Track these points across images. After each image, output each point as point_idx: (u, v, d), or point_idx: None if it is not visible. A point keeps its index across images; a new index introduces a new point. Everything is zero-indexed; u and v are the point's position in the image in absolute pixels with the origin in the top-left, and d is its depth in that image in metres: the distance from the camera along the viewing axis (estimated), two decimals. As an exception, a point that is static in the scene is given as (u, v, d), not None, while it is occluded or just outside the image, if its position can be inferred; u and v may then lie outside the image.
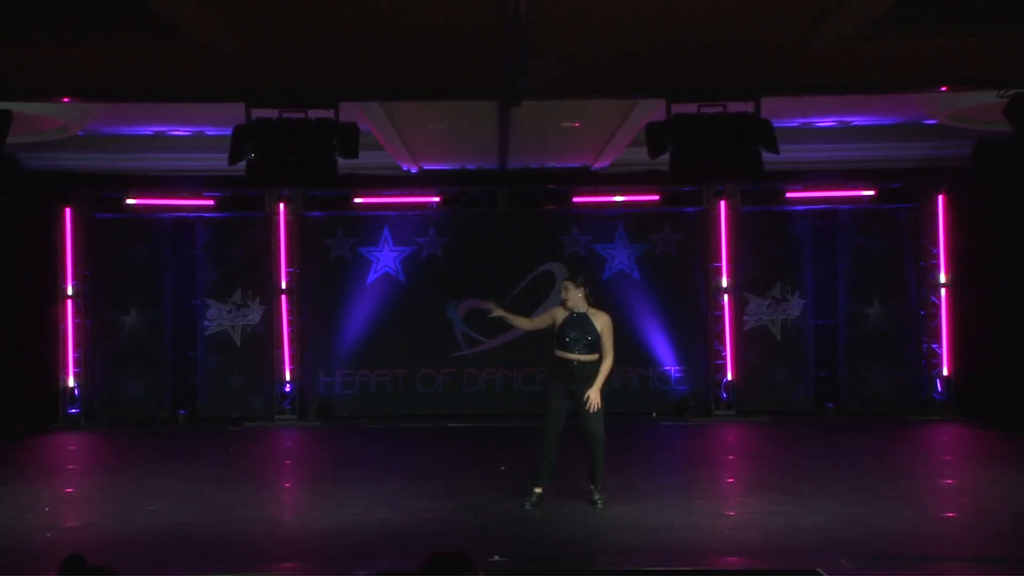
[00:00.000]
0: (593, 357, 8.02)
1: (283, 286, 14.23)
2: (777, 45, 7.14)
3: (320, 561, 7.07)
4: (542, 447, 8.11)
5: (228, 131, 9.79)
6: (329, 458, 11.65)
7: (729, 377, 14.18)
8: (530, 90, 7.90)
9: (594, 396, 7.89)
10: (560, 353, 8.08)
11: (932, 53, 7.54)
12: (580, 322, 8.04)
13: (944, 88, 9.09)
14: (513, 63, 7.01)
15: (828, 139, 13.40)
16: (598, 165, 14.18)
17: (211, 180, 13.96)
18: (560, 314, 8.21)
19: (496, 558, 6.68)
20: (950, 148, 13.43)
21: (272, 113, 9.20)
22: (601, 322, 8.06)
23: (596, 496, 8.15)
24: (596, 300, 8.31)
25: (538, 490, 8.20)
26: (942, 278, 14.00)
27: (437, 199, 14.43)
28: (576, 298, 8.12)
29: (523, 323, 8.50)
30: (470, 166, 14.46)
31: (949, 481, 9.58)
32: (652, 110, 10.09)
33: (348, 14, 6.33)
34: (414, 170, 14.38)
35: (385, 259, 14.51)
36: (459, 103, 9.99)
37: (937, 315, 14.05)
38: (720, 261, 14.19)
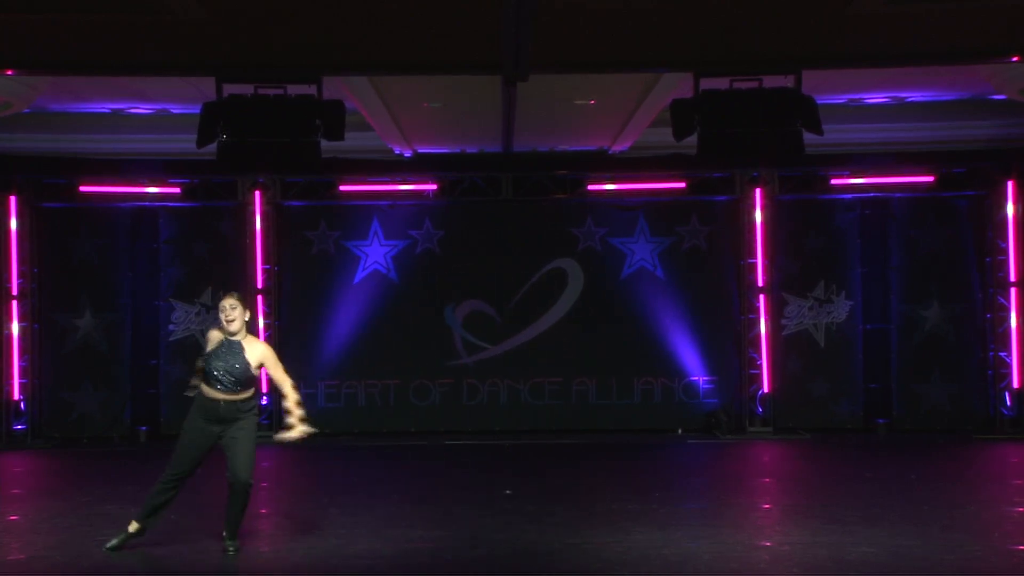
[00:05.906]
0: (246, 394, 7.57)
1: (258, 285, 14.25)
2: (818, 9, 7.15)
3: (299, 597, 7.07)
4: (162, 483, 7.63)
5: (196, 109, 9.85)
6: (310, 481, 11.66)
7: (765, 389, 14.18)
8: (536, 63, 7.90)
9: (297, 434, 7.56)
10: (206, 390, 7.51)
11: (998, 16, 7.53)
12: (232, 353, 7.47)
13: (1015, 58, 9.07)
14: (516, 30, 7.01)
15: (879, 117, 13.40)
16: (616, 148, 14.20)
17: (176, 165, 14.01)
18: (214, 339, 7.56)
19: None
20: (1020, 127, 13.40)
21: (246, 89, 9.23)
22: (259, 353, 7.56)
23: (229, 543, 7.76)
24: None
25: (132, 528, 7.69)
26: (1011, 276, 13.98)
27: (433, 187, 14.44)
28: (242, 322, 7.54)
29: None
30: (470, 149, 14.49)
31: (1019, 509, 9.56)
32: (678, 85, 10.12)
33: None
34: (407, 154, 14.42)
35: (374, 255, 14.53)
36: (458, 77, 10.01)
37: (1005, 319, 14.02)
38: (755, 257, 14.18)
